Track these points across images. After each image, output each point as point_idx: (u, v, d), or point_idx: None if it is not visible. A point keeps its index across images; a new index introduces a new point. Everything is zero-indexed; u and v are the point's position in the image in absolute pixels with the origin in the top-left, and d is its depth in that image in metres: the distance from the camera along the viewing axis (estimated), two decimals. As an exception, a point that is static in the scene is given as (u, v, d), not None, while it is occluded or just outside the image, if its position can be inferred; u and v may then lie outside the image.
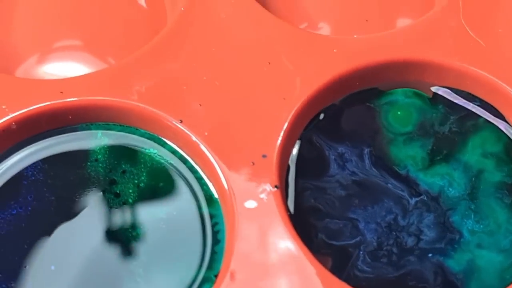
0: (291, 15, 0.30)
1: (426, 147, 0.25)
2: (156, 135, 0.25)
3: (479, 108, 0.26)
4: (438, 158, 0.25)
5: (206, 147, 0.24)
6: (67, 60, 0.29)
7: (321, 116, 0.26)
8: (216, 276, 0.22)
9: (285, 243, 0.22)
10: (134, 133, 0.25)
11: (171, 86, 0.25)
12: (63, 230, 0.23)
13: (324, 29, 0.30)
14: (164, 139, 0.25)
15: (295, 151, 0.25)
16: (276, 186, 0.23)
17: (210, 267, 0.23)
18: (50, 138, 0.25)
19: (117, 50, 0.29)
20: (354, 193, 0.24)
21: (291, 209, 0.24)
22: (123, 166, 0.24)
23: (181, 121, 0.24)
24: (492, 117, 0.26)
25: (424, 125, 0.26)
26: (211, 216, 0.23)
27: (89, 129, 0.25)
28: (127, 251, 0.23)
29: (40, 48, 0.29)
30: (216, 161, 0.24)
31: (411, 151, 0.25)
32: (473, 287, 0.23)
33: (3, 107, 0.24)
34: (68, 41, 0.30)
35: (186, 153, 0.25)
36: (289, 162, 0.25)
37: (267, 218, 0.23)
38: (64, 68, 0.29)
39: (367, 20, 0.29)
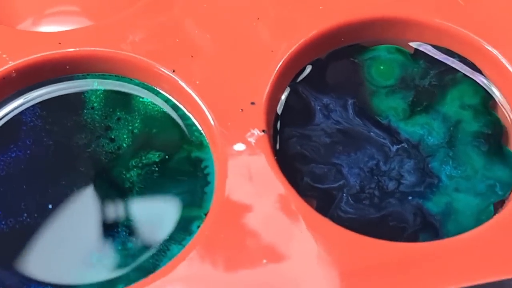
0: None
1: (407, 99, 0.27)
2: (149, 84, 0.26)
3: (458, 63, 0.27)
4: (419, 109, 0.26)
5: (197, 96, 0.25)
6: (63, 23, 0.30)
7: (308, 69, 0.27)
8: (205, 214, 0.23)
9: (272, 183, 0.23)
10: (129, 83, 0.26)
11: (164, 38, 0.26)
12: (60, 172, 0.24)
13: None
14: (158, 89, 0.26)
15: (282, 100, 0.26)
16: (263, 131, 0.24)
17: (200, 206, 0.24)
18: (48, 86, 0.26)
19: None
20: (338, 141, 0.26)
21: (278, 154, 0.25)
22: (118, 113, 0.26)
23: (174, 71, 0.25)
24: (471, 71, 0.27)
25: (405, 79, 0.27)
26: (202, 160, 0.25)
27: (86, 78, 0.26)
28: (121, 192, 0.24)
29: (35, 13, 0.31)
30: (206, 108, 0.25)
31: (392, 102, 0.26)
32: (451, 228, 0.24)
33: (4, 56, 0.26)
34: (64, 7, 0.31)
35: (178, 102, 0.26)
36: (277, 110, 0.26)
37: (255, 160, 0.24)
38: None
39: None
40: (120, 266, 0.23)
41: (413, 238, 0.23)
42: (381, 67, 0.27)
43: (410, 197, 0.24)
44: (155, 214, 0.24)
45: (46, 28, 0.29)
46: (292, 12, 0.27)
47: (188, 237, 0.23)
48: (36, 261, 0.23)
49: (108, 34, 0.26)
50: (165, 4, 0.27)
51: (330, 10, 0.27)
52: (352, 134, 0.26)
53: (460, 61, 0.27)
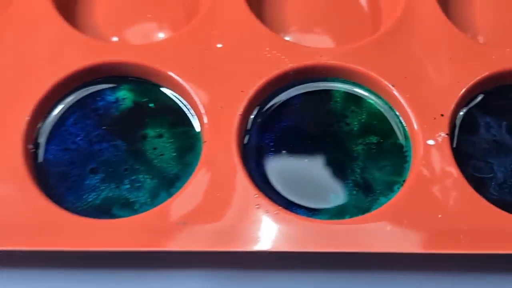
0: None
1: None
2: (374, 91, 0.40)
3: None
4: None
5: (408, 106, 0.39)
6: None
7: (479, 97, 0.40)
8: (404, 181, 0.37)
9: (448, 165, 0.37)
10: (360, 88, 0.40)
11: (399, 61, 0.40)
12: (314, 139, 0.39)
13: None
14: (380, 95, 0.40)
15: (460, 115, 0.40)
16: (447, 134, 0.38)
17: (400, 175, 0.38)
18: (309, 84, 0.40)
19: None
20: (493, 148, 0.39)
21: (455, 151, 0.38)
22: (352, 107, 0.40)
23: (393, 85, 0.39)
24: None
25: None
26: (404, 146, 0.39)
27: (333, 81, 0.41)
28: (350, 158, 0.38)
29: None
30: (412, 115, 0.39)
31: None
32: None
33: (285, 59, 0.40)
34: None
35: (393, 105, 0.40)
36: (455, 121, 0.39)
37: (439, 151, 0.37)
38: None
39: None
40: (346, 204, 0.37)
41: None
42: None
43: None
44: (370, 177, 0.38)
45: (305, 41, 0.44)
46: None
47: (391, 194, 0.37)
48: (298, 190, 0.37)
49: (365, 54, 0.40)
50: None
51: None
52: (503, 145, 0.39)
53: None
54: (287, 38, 0.43)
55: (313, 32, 0.44)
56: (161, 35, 0.44)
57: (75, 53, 0.40)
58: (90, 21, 0.44)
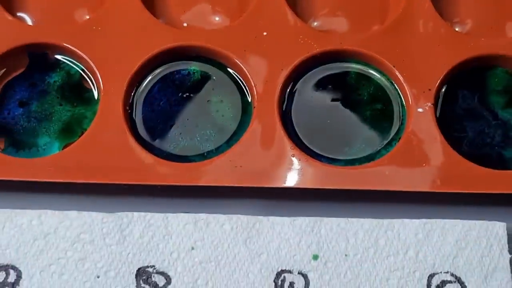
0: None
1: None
2: (379, 69, 0.54)
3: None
4: None
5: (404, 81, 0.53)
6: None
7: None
8: (400, 138, 0.51)
9: (432, 132, 0.51)
10: (369, 67, 0.54)
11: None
12: (331, 108, 0.53)
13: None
14: (384, 72, 0.54)
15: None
16: (432, 104, 0.51)
17: (396, 133, 0.52)
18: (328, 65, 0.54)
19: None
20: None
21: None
22: (362, 82, 0.54)
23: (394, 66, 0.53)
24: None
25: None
26: (400, 112, 0.52)
27: (349, 62, 0.54)
28: (361, 119, 0.52)
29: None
30: (408, 88, 0.52)
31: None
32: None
33: (312, 43, 0.54)
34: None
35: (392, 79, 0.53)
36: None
37: (423, 116, 0.51)
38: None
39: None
40: (356, 154, 0.51)
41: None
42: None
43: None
44: (374, 135, 0.52)
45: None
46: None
47: (390, 148, 0.51)
48: (321, 144, 0.51)
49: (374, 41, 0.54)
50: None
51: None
52: (475, 112, 0.53)
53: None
54: (315, 23, 0.57)
55: (335, 17, 0.57)
56: (217, 19, 0.57)
57: (157, 37, 0.54)
58: (164, 9, 0.58)
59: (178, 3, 0.58)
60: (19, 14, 0.57)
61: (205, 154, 0.51)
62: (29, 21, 0.56)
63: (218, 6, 0.57)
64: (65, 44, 0.53)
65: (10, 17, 0.54)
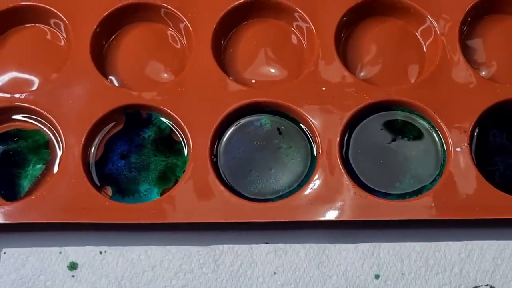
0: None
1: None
2: (422, 115, 0.64)
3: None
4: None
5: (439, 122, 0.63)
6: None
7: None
8: (442, 173, 0.62)
9: (469, 168, 0.61)
10: (413, 114, 0.64)
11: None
12: (383, 150, 0.63)
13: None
14: (426, 118, 0.64)
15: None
16: (468, 144, 0.62)
17: (439, 169, 0.62)
18: (379, 113, 0.64)
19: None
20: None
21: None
22: (408, 126, 0.64)
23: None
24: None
25: None
26: (440, 152, 0.63)
27: (396, 110, 0.64)
28: (407, 158, 0.62)
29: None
30: (447, 132, 0.62)
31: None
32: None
33: (364, 95, 0.64)
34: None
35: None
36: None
37: (461, 156, 0.61)
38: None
39: None
40: (406, 189, 0.61)
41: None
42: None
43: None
44: (420, 171, 0.62)
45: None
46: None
47: (434, 182, 0.61)
48: (377, 182, 0.62)
49: (416, 91, 0.64)
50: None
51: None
52: (504, 147, 0.63)
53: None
54: (361, 74, 0.67)
55: (379, 69, 0.67)
56: (279, 74, 0.67)
57: (231, 95, 0.64)
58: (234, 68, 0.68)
59: (244, 61, 0.67)
60: (110, 77, 0.66)
61: (281, 193, 0.61)
62: (117, 83, 0.66)
63: (277, 63, 0.67)
64: (155, 105, 0.63)
65: (108, 83, 0.64)
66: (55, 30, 0.68)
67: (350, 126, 0.62)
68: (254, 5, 0.67)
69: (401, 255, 0.58)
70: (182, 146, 0.62)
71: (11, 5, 0.67)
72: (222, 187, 0.60)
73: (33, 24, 0.68)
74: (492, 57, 0.67)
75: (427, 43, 0.67)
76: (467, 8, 0.66)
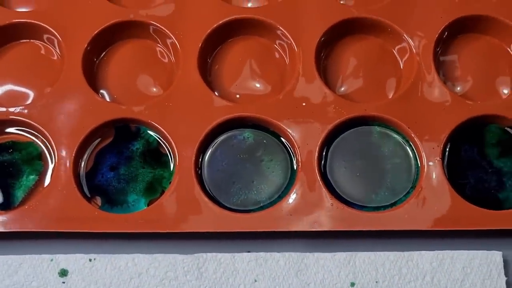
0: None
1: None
2: (397, 130, 0.67)
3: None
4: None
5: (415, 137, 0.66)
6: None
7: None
8: (415, 186, 0.65)
9: (441, 180, 0.64)
10: (388, 129, 0.67)
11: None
12: (359, 163, 0.66)
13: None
14: (401, 133, 0.67)
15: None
16: (440, 158, 0.65)
17: (412, 182, 0.65)
18: (355, 128, 0.67)
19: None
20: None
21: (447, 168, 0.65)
22: (384, 140, 0.67)
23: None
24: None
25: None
26: (414, 165, 0.66)
27: (372, 125, 0.68)
28: (382, 171, 0.66)
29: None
30: (421, 146, 0.66)
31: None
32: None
33: (342, 111, 0.67)
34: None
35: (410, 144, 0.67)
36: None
37: (434, 169, 0.64)
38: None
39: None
40: (380, 201, 0.65)
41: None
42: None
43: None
44: (394, 184, 0.65)
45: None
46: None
47: (407, 195, 0.64)
48: (352, 193, 0.65)
49: (392, 107, 0.67)
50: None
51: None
52: (474, 162, 0.66)
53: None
54: (341, 89, 0.70)
55: (358, 85, 0.70)
56: (263, 88, 0.70)
57: (216, 110, 0.67)
58: (219, 84, 0.71)
59: (229, 77, 0.70)
60: (101, 91, 0.69)
61: (261, 204, 0.64)
62: (108, 97, 0.69)
63: (261, 78, 0.70)
64: (143, 119, 0.66)
65: (99, 98, 0.67)
66: (48, 46, 0.70)
67: (329, 141, 0.65)
68: (238, 23, 0.70)
69: (375, 264, 0.61)
70: (169, 159, 0.65)
71: (7, 21, 0.69)
72: (206, 199, 0.63)
73: (28, 40, 0.71)
74: (465, 74, 0.70)
75: (403, 60, 0.70)
76: (441, 28, 0.69)
